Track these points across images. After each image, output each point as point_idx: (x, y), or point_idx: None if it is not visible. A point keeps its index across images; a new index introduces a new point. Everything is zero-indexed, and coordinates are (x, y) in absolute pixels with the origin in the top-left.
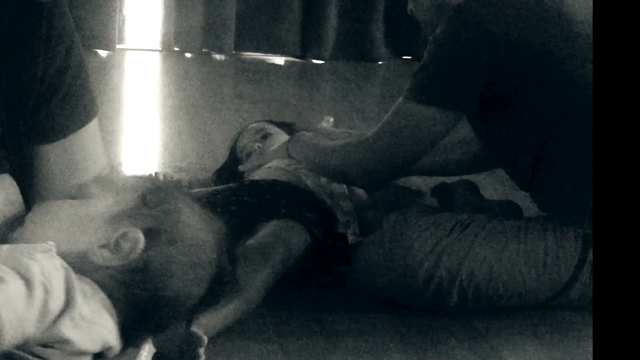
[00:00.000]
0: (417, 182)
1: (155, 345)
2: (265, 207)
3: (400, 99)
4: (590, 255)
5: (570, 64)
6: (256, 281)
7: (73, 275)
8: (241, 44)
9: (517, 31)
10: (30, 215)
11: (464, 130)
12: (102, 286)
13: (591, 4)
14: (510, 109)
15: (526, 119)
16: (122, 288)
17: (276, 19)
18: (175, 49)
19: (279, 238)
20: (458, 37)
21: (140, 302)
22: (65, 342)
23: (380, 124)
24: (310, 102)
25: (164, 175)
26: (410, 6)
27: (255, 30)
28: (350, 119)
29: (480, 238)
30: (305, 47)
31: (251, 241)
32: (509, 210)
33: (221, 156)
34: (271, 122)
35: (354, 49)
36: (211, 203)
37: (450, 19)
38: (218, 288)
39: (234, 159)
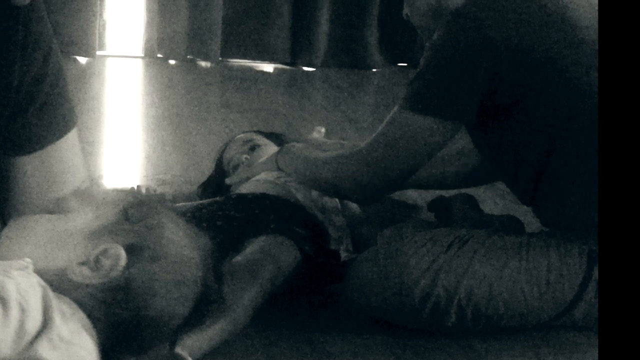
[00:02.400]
0: (413, 196)
1: None
2: (254, 222)
3: (396, 108)
4: (596, 273)
5: (575, 71)
6: (244, 300)
7: (51, 294)
8: (228, 51)
9: (519, 37)
10: (5, 231)
11: (462, 141)
12: (82, 305)
13: (596, 8)
14: (512, 119)
15: (528, 129)
16: (102, 307)
17: (265, 24)
18: (159, 55)
19: (267, 255)
20: (456, 43)
21: (122, 322)
22: None
23: (374, 135)
24: (301, 111)
25: (147, 189)
26: (406, 11)
27: (242, 35)
28: (343, 130)
29: (480, 255)
30: (296, 53)
31: (238, 258)
32: (510, 225)
33: (207, 168)
34: (259, 132)
35: (347, 55)
36: (196, 218)
37: (448, 24)
38: (203, 307)
39: (220, 171)
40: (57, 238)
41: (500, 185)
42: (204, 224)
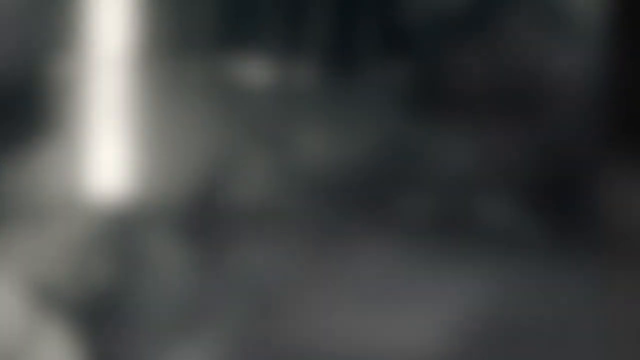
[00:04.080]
0: None
1: None
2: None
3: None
4: (601, 282)
5: (578, 75)
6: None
7: (34, 306)
8: (220, 53)
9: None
10: None
11: (462, 146)
12: (67, 320)
13: (605, 9)
14: (513, 123)
15: (530, 133)
16: (88, 320)
17: (258, 24)
18: (146, 58)
19: None
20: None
21: (109, 334)
22: None
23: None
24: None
25: (135, 195)
26: (403, 12)
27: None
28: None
29: (480, 266)
30: (290, 55)
31: None
32: (511, 233)
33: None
34: (252, 139)
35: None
36: (187, 226)
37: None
38: (195, 318)
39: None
40: (40, 250)
41: (501, 192)
42: (195, 233)
